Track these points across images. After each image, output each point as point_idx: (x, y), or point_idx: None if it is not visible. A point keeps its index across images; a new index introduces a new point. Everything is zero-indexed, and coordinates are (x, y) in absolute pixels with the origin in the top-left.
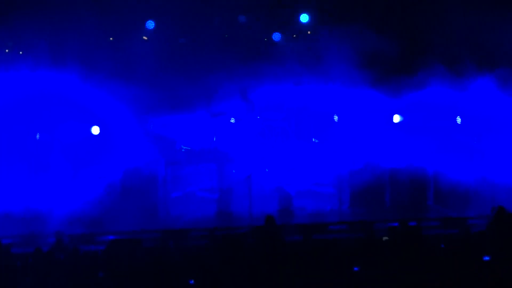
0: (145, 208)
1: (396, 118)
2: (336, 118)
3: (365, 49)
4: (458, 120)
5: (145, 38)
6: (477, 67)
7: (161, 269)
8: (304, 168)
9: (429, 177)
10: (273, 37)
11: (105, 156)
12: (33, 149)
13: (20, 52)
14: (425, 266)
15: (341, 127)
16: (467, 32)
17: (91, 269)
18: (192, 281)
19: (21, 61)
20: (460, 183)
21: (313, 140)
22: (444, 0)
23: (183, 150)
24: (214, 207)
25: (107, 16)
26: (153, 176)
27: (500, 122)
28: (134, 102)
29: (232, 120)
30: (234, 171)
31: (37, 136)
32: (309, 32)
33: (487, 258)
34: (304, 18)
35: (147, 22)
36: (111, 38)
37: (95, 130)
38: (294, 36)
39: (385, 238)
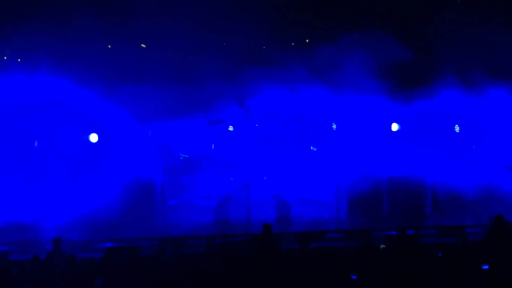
0: (143, 216)
1: (394, 127)
2: (334, 126)
3: (376, 57)
4: (457, 129)
5: (143, 45)
6: (490, 78)
7: (158, 277)
8: (302, 176)
9: (427, 186)
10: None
11: (103, 163)
12: (31, 156)
13: (19, 60)
14: (422, 275)
15: (339, 135)
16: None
17: (88, 276)
18: None
19: (19, 68)
20: (458, 191)
21: (311, 148)
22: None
23: (181, 158)
24: (212, 215)
25: (106, 24)
26: (151, 184)
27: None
28: (133, 110)
29: (230, 128)
30: (232, 179)
31: (35, 144)
32: (307, 41)
33: (486, 266)
34: None
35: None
36: (109, 46)
37: (94, 137)
38: (293, 44)
39: (382, 246)
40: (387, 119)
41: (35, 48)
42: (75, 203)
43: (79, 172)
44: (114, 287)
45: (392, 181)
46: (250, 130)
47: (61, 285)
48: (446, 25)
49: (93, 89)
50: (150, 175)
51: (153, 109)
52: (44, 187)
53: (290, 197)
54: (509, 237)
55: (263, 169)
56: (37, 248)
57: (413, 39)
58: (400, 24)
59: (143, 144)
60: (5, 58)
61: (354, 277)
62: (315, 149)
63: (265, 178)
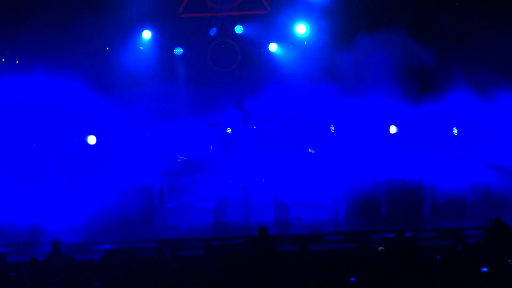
0: (141, 218)
1: (393, 129)
2: (332, 128)
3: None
4: (455, 131)
5: (141, 48)
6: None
7: (157, 279)
8: (301, 178)
9: (425, 188)
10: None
11: (101, 165)
12: (29, 158)
13: (17, 62)
14: (421, 277)
15: (338, 138)
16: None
17: (87, 279)
18: None
19: (17, 70)
20: (457, 194)
21: (310, 150)
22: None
23: (179, 160)
24: (210, 217)
25: (104, 25)
26: (149, 186)
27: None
28: (131, 111)
29: (229, 130)
30: (230, 181)
31: (34, 146)
32: (305, 43)
33: (485, 269)
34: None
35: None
36: (107, 48)
37: (92, 139)
38: (290, 46)
39: (381, 248)
40: (387, 121)
41: (34, 49)
42: (73, 205)
43: (77, 174)
44: None
45: (391, 183)
46: (249, 132)
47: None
48: (455, 27)
49: (91, 91)
50: (148, 177)
51: (151, 110)
52: (43, 189)
53: (289, 199)
54: (508, 239)
55: (262, 171)
56: (36, 250)
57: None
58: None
59: (141, 146)
60: (3, 60)
61: (352, 279)
62: (313, 152)
63: (263, 180)
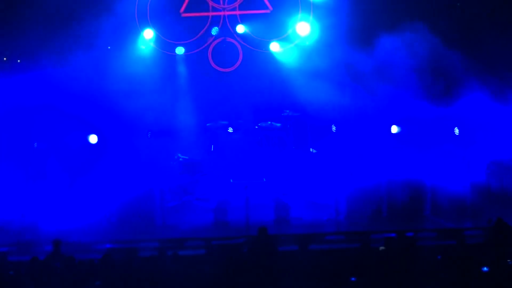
0: (142, 217)
1: (394, 129)
2: (334, 128)
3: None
4: (456, 131)
5: (143, 47)
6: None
7: (157, 278)
8: (302, 178)
9: (426, 188)
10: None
11: (102, 165)
12: (31, 157)
13: (18, 61)
14: (421, 277)
15: (339, 137)
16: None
17: (87, 278)
18: None
19: (18, 69)
20: (458, 194)
21: (311, 150)
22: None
23: (180, 160)
24: (211, 216)
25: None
26: (151, 185)
27: None
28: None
29: (230, 130)
30: (231, 181)
31: (35, 145)
32: (307, 42)
33: (485, 269)
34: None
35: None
36: (109, 47)
37: (93, 139)
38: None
39: (381, 248)
40: (388, 121)
41: (35, 48)
42: (74, 205)
43: (77, 174)
44: None
45: (392, 183)
46: (250, 132)
47: (60, 287)
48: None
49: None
50: (149, 176)
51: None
52: (44, 188)
53: (289, 199)
54: (509, 240)
55: (263, 171)
56: (36, 249)
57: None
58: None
59: (144, 145)
60: (4, 59)
61: (353, 279)
62: (314, 151)
63: (264, 180)
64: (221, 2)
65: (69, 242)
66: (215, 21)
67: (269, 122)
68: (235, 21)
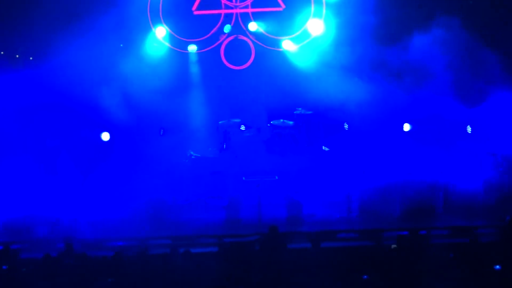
0: (154, 214)
1: (406, 127)
2: (346, 126)
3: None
4: (468, 129)
5: (155, 44)
6: None
7: (169, 275)
8: (314, 175)
9: (439, 186)
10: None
11: (115, 162)
12: (44, 154)
13: (30, 58)
14: (433, 275)
15: (351, 135)
16: None
17: (99, 275)
18: None
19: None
20: (470, 192)
21: (323, 148)
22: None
23: (192, 157)
24: (223, 214)
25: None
26: (163, 183)
27: None
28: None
29: (242, 128)
30: (243, 178)
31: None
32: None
33: (498, 267)
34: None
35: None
36: (121, 45)
37: (105, 136)
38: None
39: (393, 246)
40: (400, 118)
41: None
42: (87, 202)
43: (90, 171)
44: (125, 286)
45: (404, 181)
46: (262, 130)
47: (72, 284)
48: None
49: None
50: (161, 174)
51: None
52: (56, 185)
53: (302, 197)
54: None
55: (275, 168)
56: (49, 246)
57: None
58: None
59: (156, 143)
60: (17, 56)
61: (365, 277)
62: (327, 149)
63: (276, 177)
64: (234, 0)
65: (81, 239)
66: (227, 18)
67: (282, 120)
68: (247, 19)
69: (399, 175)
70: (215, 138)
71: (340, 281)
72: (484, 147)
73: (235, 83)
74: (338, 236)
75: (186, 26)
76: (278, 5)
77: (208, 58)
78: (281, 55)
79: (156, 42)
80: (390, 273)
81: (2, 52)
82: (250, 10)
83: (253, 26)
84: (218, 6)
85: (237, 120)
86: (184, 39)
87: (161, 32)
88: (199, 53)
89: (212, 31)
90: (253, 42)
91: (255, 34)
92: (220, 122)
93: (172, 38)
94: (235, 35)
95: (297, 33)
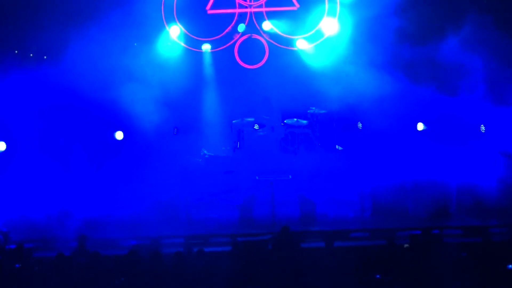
0: (168, 213)
1: (420, 126)
2: (360, 125)
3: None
4: (482, 128)
5: (169, 44)
6: None
7: (182, 274)
8: (327, 175)
9: (452, 185)
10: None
11: (128, 161)
12: (57, 153)
13: (45, 57)
14: (446, 274)
15: (365, 135)
16: None
17: (112, 274)
18: None
19: (45, 65)
20: (483, 191)
21: (337, 147)
22: None
23: (206, 156)
24: (236, 213)
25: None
26: (176, 181)
27: None
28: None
29: (256, 127)
30: (257, 177)
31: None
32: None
33: (511, 266)
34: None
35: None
36: (135, 44)
37: (119, 135)
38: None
39: (406, 245)
40: (414, 118)
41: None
42: (100, 201)
43: (104, 169)
44: (138, 285)
45: (417, 180)
46: (276, 129)
47: (85, 283)
48: None
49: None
50: (175, 172)
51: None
52: (69, 184)
53: (315, 196)
54: None
55: (288, 167)
56: (62, 245)
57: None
58: None
59: (170, 142)
60: (31, 55)
61: (378, 276)
62: (340, 148)
63: (290, 176)
64: None
65: (94, 238)
66: (241, 18)
67: (295, 119)
68: (261, 18)
69: (413, 175)
70: (229, 137)
71: (352, 280)
72: (498, 146)
73: (249, 82)
74: (351, 235)
75: (200, 25)
76: (292, 4)
77: (222, 57)
78: (295, 54)
79: (170, 41)
80: (402, 272)
81: (16, 51)
82: (264, 9)
83: (267, 25)
84: (232, 5)
85: (251, 119)
86: (198, 38)
87: (175, 31)
88: (213, 52)
89: (226, 30)
90: (267, 41)
91: (269, 33)
92: (233, 121)
93: (186, 38)
94: (249, 34)
95: (311, 32)
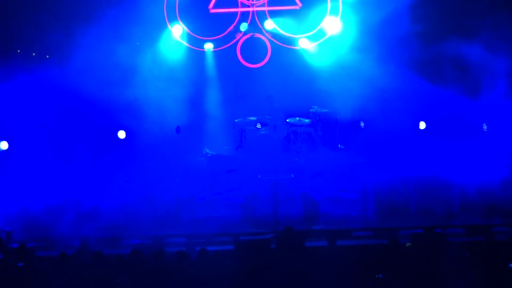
0: (170, 212)
1: (422, 125)
2: (362, 124)
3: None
4: (484, 127)
5: (172, 43)
6: None
7: (185, 273)
8: (330, 174)
9: (455, 184)
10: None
11: (130, 160)
12: (59, 152)
13: (47, 56)
14: (449, 274)
15: (367, 133)
16: None
17: (115, 273)
18: None
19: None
20: (486, 190)
21: (339, 146)
22: None
23: (208, 155)
24: (239, 212)
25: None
26: (180, 181)
27: None
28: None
29: (258, 126)
30: (259, 176)
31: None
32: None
33: None
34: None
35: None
36: (137, 43)
37: (121, 134)
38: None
39: (409, 244)
40: (416, 116)
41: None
42: (103, 200)
43: (106, 169)
44: (141, 284)
45: (420, 179)
46: (278, 128)
47: (88, 282)
48: None
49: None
50: (177, 171)
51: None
52: (71, 182)
53: (318, 195)
54: None
55: (291, 166)
56: (64, 244)
57: None
58: None
59: (172, 141)
60: (33, 54)
61: (380, 275)
62: (342, 147)
63: (292, 175)
64: None
65: (97, 237)
66: (244, 17)
67: (298, 118)
68: (264, 17)
69: (415, 174)
70: (231, 136)
71: (355, 279)
72: (500, 145)
73: (251, 81)
74: (354, 234)
75: (202, 25)
76: (295, 3)
77: (224, 56)
78: (297, 53)
79: (172, 40)
80: (405, 271)
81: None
82: (266, 8)
83: (269, 24)
84: (235, 5)
85: (253, 118)
86: (200, 38)
87: (177, 30)
88: (215, 51)
89: (229, 29)
90: (269, 40)
91: (271, 32)
92: (236, 120)
93: (188, 37)
94: (251, 33)
95: (314, 31)
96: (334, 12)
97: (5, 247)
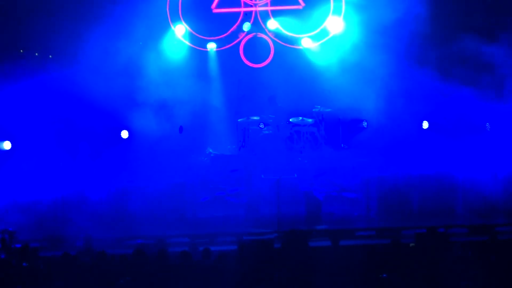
0: (173, 212)
1: (425, 124)
2: (365, 124)
3: None
4: (488, 126)
5: (175, 42)
6: None
7: (188, 273)
8: (333, 173)
9: (458, 184)
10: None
11: (134, 160)
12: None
13: (50, 56)
14: (452, 273)
15: (370, 133)
16: None
17: (118, 273)
18: None
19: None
20: (489, 189)
21: (342, 145)
22: None
23: (212, 155)
24: (242, 212)
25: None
26: (182, 180)
27: None
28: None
29: (262, 125)
30: (262, 176)
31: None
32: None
33: None
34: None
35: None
36: (140, 43)
37: (124, 134)
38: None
39: (412, 244)
40: (419, 116)
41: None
42: (106, 200)
43: (110, 169)
44: (144, 284)
45: (423, 178)
46: (281, 128)
47: (91, 282)
48: None
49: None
50: (180, 171)
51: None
52: (75, 182)
53: (321, 195)
54: None
55: (294, 166)
56: (67, 244)
57: None
58: None
59: (176, 140)
60: (36, 54)
61: (383, 275)
62: (345, 147)
63: (295, 175)
64: None
65: (100, 238)
66: (246, 17)
67: (301, 118)
68: (266, 16)
69: (419, 173)
70: (234, 136)
71: (358, 279)
72: (503, 145)
73: (254, 81)
74: (357, 234)
75: (205, 24)
76: (298, 3)
77: (227, 56)
78: (300, 53)
79: (175, 40)
80: (408, 271)
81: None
82: (269, 8)
83: (272, 24)
84: (238, 4)
85: (256, 118)
86: (203, 37)
87: (180, 30)
88: (218, 51)
89: (232, 29)
90: (272, 40)
91: (274, 32)
92: (239, 120)
93: (191, 36)
94: (254, 33)
95: (317, 31)
96: (337, 11)
97: (8, 247)
